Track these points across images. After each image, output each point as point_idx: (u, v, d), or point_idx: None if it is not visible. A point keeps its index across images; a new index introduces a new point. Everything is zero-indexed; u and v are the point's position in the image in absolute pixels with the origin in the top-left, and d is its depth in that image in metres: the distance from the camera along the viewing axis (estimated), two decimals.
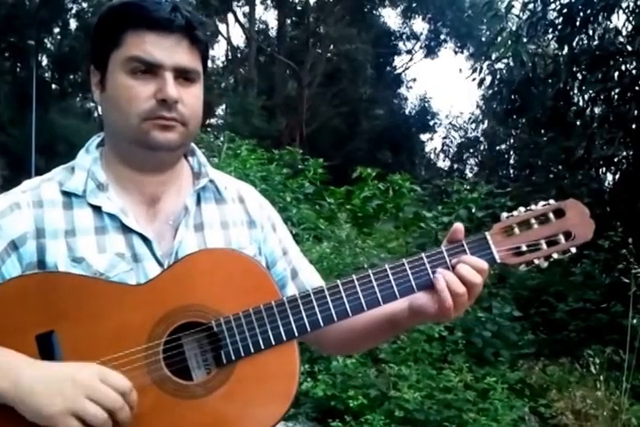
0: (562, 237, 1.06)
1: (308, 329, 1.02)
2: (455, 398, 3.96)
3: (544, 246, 1.06)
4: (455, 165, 20.11)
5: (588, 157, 7.00)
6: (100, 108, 1.15)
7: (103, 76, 1.08)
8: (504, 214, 1.08)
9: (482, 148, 18.10)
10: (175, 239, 1.08)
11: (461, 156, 20.20)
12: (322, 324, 1.02)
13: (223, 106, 24.34)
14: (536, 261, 1.07)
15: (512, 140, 12.12)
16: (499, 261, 1.05)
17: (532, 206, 1.08)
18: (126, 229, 1.06)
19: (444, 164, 22.22)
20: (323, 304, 1.02)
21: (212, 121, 23.71)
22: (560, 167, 7.86)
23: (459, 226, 1.06)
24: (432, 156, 24.49)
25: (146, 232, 1.07)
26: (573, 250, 1.06)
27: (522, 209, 1.07)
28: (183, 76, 1.06)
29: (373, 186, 8.46)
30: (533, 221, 1.06)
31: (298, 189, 7.63)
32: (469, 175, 16.61)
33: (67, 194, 1.07)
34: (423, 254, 1.05)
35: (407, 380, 4.04)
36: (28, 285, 1.00)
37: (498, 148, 14.22)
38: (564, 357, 4.96)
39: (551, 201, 1.08)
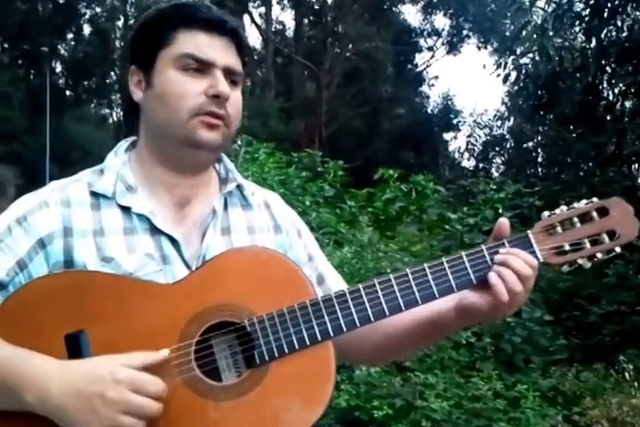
0: (605, 237, 1.04)
1: (344, 329, 1.00)
2: (485, 407, 3.88)
3: (587, 246, 1.04)
4: (480, 165, 19.93)
5: (620, 152, 6.89)
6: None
7: (148, 75, 1.09)
8: (545, 213, 1.06)
9: (508, 146, 17.93)
10: (203, 242, 1.09)
11: (487, 154, 20.00)
12: (358, 324, 1.01)
13: None
14: (579, 261, 1.04)
15: (540, 138, 11.97)
16: (541, 260, 1.03)
17: (575, 204, 1.06)
18: (155, 231, 1.07)
19: (468, 163, 22.05)
20: (359, 304, 1.01)
21: None
22: (590, 164, 7.77)
23: (503, 221, 1.05)
24: (456, 155, 24.35)
25: (174, 234, 1.07)
26: (618, 249, 1.04)
27: (564, 208, 1.05)
28: (230, 78, 1.09)
29: (395, 188, 8.34)
30: (576, 219, 1.05)
31: (317, 193, 7.59)
32: (495, 175, 16.44)
33: (95, 195, 1.08)
34: (463, 253, 1.03)
35: (434, 389, 3.98)
36: (57, 283, 1.00)
37: (525, 145, 14.02)
38: (599, 362, 4.96)
39: (594, 199, 1.06)
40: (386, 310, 1.01)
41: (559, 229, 1.04)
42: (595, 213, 1.04)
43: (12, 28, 22.90)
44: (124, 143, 1.17)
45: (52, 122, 20.26)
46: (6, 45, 25.58)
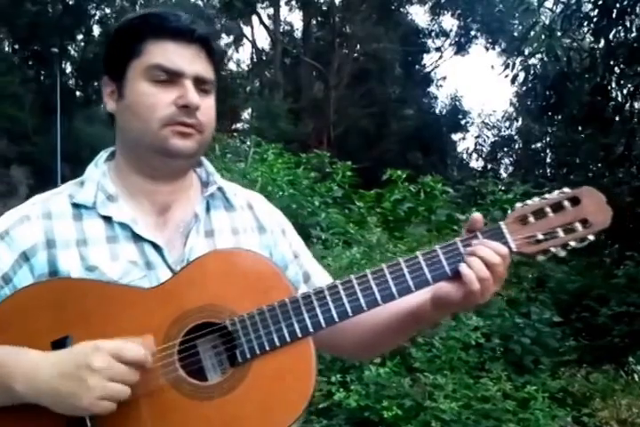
0: (578, 225, 1.04)
1: (323, 325, 1.02)
2: (494, 407, 3.86)
3: (561, 234, 1.04)
4: (489, 165, 19.86)
5: (629, 153, 6.86)
6: (117, 118, 1.15)
7: (120, 86, 1.10)
8: (518, 204, 1.07)
9: (516, 146, 17.90)
10: (186, 246, 1.10)
11: (495, 155, 19.95)
12: (337, 319, 1.02)
13: (249, 110, 24.43)
14: (553, 250, 1.05)
15: (548, 138, 11.95)
16: (515, 249, 1.04)
17: (547, 195, 1.07)
18: (137, 238, 1.08)
19: (477, 164, 22.01)
20: (337, 300, 1.02)
21: (238, 125, 23.78)
22: (599, 165, 7.73)
23: (477, 215, 1.06)
24: (464, 156, 24.30)
25: (157, 240, 1.08)
26: (591, 237, 1.05)
27: (536, 198, 1.06)
28: (200, 86, 1.09)
29: (404, 188, 8.29)
30: (548, 209, 1.05)
31: (326, 193, 7.56)
32: (504, 175, 16.40)
33: (77, 206, 1.09)
34: (437, 247, 1.04)
35: (443, 389, 3.95)
36: (41, 291, 1.02)
37: (533, 146, 13.98)
38: (608, 363, 4.94)
39: (566, 189, 1.07)
40: (363, 304, 1.02)
41: (532, 219, 1.05)
42: (567, 203, 1.05)
43: (22, 30, 23.05)
44: (103, 154, 1.18)
45: (62, 122, 20.32)
46: (17, 46, 25.74)
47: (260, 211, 1.22)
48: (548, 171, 12.31)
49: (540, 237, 1.04)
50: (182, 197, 1.15)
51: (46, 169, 19.22)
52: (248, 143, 8.82)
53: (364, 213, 7.47)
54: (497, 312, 5.01)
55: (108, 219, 1.08)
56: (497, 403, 3.89)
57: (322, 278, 1.23)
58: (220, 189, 1.18)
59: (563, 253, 1.06)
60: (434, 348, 4.35)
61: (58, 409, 0.94)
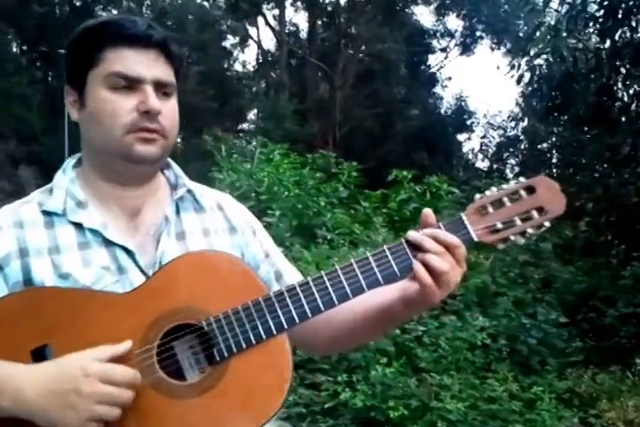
0: (535, 213, 1.09)
1: (297, 321, 1.04)
2: (500, 408, 3.87)
3: (518, 222, 1.09)
4: (495, 166, 19.84)
5: (635, 154, 6.83)
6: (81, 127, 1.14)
7: (82, 95, 1.10)
8: (477, 195, 1.10)
9: (522, 147, 17.86)
10: (158, 249, 1.11)
11: (501, 155, 19.93)
12: (310, 314, 1.04)
13: (255, 110, 24.46)
14: (512, 238, 1.09)
15: (554, 139, 11.92)
16: (476, 239, 1.08)
17: (504, 186, 1.11)
18: (108, 243, 1.08)
19: (482, 164, 22.00)
20: (309, 295, 1.05)
21: (244, 126, 23.88)
22: (605, 166, 7.69)
23: (427, 210, 1.09)
24: (470, 156, 24.26)
25: (128, 244, 1.09)
26: (547, 224, 1.09)
27: (494, 189, 1.10)
28: (161, 90, 1.10)
29: (410, 189, 8.24)
30: (506, 199, 1.09)
31: (332, 194, 7.54)
32: (510, 176, 16.35)
33: (47, 213, 1.09)
34: (402, 239, 1.07)
35: (449, 390, 3.96)
36: (16, 302, 1.02)
37: (539, 146, 13.96)
38: (615, 364, 4.92)
39: (521, 179, 1.11)
40: (335, 299, 1.05)
41: (490, 209, 1.09)
42: (523, 192, 1.09)
43: (29, 31, 23.21)
44: (71, 160, 1.18)
45: (70, 123, 20.43)
46: (24, 48, 25.91)
47: (230, 211, 1.23)
48: (554, 171, 12.28)
49: (499, 226, 1.08)
50: (151, 200, 1.16)
51: (54, 169, 18.95)
52: (254, 144, 8.83)
53: (370, 214, 7.45)
54: (503, 313, 5.01)
55: (78, 225, 1.08)
56: (503, 403, 3.89)
57: (293, 276, 1.25)
58: (189, 191, 1.19)
59: (522, 241, 1.10)
60: (440, 348, 4.35)
61: (40, 423, 0.95)
